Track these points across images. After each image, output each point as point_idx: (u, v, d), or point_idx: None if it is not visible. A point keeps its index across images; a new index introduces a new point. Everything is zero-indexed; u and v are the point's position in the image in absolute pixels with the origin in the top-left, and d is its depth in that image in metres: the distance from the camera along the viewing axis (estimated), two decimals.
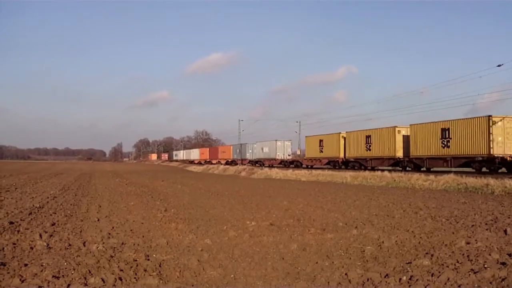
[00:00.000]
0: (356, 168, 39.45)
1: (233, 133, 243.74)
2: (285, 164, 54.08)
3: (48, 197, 16.39)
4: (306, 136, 50.72)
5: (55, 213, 11.93)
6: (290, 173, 35.82)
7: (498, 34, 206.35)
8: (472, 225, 9.64)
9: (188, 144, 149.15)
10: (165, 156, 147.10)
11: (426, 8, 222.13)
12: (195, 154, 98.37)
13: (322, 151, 45.93)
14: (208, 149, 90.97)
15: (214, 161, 77.18)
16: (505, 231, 8.54)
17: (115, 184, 26.36)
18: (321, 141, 46.24)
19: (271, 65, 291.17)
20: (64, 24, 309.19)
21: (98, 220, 10.93)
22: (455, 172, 25.23)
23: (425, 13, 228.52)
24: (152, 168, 73.30)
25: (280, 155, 55.79)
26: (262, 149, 59.74)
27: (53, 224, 9.94)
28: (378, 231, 9.18)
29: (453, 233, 8.72)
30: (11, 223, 9.89)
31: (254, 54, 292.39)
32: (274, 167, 50.24)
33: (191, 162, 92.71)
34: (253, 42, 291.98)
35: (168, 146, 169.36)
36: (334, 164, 43.58)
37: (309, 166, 48.12)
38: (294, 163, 52.65)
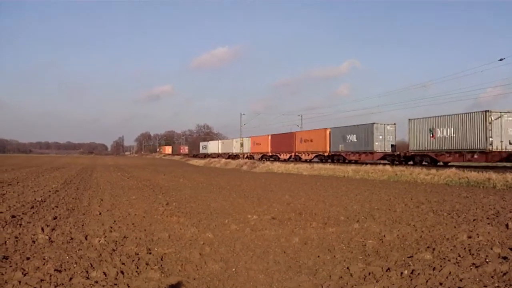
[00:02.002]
0: None
1: (234, 127, 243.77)
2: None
3: (50, 191, 16.42)
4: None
5: (57, 207, 11.95)
6: (292, 167, 35.87)
7: (502, 28, 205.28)
8: (474, 219, 9.64)
9: (189, 138, 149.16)
10: (184, 149, 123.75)
11: (429, 2, 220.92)
12: (242, 144, 67.75)
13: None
14: (269, 136, 57.76)
15: (284, 155, 52.56)
16: (507, 225, 8.53)
17: (116, 178, 26.39)
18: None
19: (275, 59, 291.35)
20: (68, 17, 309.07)
21: (100, 213, 10.95)
22: (457, 166, 25.20)
23: (428, 7, 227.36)
24: (154, 162, 73.37)
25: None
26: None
27: (55, 218, 9.97)
28: (379, 225, 9.18)
29: (455, 227, 8.71)
30: (13, 216, 9.91)
31: (258, 48, 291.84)
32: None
33: (234, 157, 66.73)
34: (257, 37, 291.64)
35: (169, 140, 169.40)
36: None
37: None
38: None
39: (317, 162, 42.64)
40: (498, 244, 6.97)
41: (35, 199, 13.43)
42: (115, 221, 9.83)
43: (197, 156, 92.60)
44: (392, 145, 36.86)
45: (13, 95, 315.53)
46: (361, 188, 18.65)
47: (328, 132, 43.45)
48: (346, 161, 40.17)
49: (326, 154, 43.50)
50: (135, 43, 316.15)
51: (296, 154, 49.48)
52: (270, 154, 56.97)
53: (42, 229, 8.36)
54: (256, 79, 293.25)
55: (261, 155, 60.16)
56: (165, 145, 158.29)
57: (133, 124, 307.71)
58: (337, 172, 29.67)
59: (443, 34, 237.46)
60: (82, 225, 9.18)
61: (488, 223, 9.03)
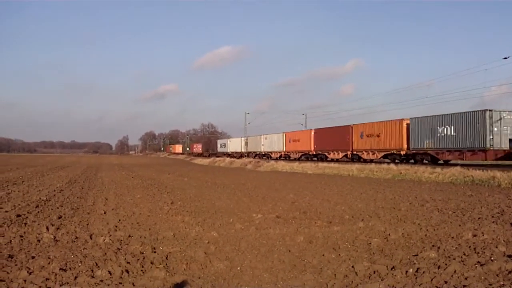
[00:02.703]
0: None
1: (238, 126, 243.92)
2: None
3: (54, 190, 16.49)
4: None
5: (62, 206, 12.00)
6: (297, 166, 35.83)
7: (506, 26, 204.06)
8: (479, 218, 9.60)
9: (194, 137, 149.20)
10: (198, 147, 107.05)
11: (433, 1, 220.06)
12: (273, 141, 56.89)
13: None
14: (311, 131, 48.27)
15: (335, 155, 43.02)
16: None
17: (121, 177, 26.46)
18: None
19: (279, 59, 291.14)
20: (73, 17, 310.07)
21: (105, 213, 10.99)
22: (462, 165, 25.09)
23: (433, 6, 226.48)
24: (158, 161, 73.52)
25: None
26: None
27: (60, 217, 10.00)
28: (384, 223, 9.16)
29: (460, 225, 8.68)
30: (18, 216, 9.96)
31: (262, 47, 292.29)
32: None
33: (263, 156, 57.88)
34: (262, 36, 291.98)
35: (174, 139, 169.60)
36: None
37: None
38: None
39: (388, 162, 32.26)
40: (503, 242, 6.94)
41: (40, 198, 13.49)
42: (120, 220, 9.85)
43: (214, 155, 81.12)
44: (510, 140, 27.16)
45: (18, 94, 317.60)
46: (366, 186, 18.61)
47: (405, 124, 33.52)
48: (439, 162, 31.24)
49: (402, 152, 33.74)
50: (139, 42, 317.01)
51: (355, 152, 39.67)
52: (314, 152, 47.20)
53: (47, 228, 8.40)
54: (260, 79, 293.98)
55: (300, 154, 50.29)
56: (175, 144, 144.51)
57: (137, 124, 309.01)
58: (341, 171, 29.63)
59: (447, 32, 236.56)
60: (87, 224, 9.22)
61: (493, 222, 8.99)
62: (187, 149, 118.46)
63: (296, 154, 51.43)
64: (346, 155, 41.49)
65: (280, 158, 53.35)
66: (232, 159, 56.51)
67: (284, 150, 54.43)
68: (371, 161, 36.75)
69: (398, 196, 14.41)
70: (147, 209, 11.71)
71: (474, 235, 7.56)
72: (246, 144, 66.99)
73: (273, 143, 57.26)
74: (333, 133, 43.31)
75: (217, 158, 62.91)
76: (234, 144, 73.89)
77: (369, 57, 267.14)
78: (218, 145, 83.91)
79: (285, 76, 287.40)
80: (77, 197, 14.39)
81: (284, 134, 54.91)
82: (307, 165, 35.60)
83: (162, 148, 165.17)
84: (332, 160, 41.85)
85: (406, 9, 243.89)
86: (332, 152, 43.25)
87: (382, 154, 36.17)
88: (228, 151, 74.31)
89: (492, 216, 9.80)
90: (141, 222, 9.77)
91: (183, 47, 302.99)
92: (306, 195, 14.95)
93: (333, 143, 43.03)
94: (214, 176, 28.01)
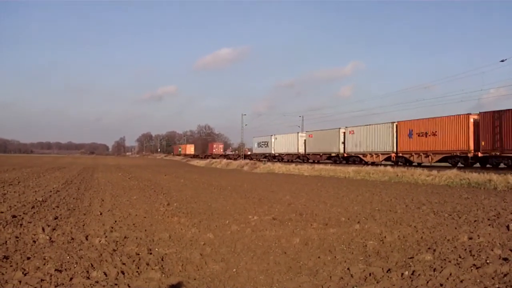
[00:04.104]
0: None
1: (236, 128, 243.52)
2: None
3: (51, 191, 16.43)
4: None
5: (57, 207, 11.96)
6: (293, 168, 35.83)
7: (504, 29, 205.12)
8: (475, 221, 9.62)
9: (191, 138, 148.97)
10: (218, 147, 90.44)
11: (433, 3, 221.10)
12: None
13: None
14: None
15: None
16: (508, 227, 8.51)
17: (117, 178, 26.41)
18: None
19: (278, 61, 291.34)
20: (70, 17, 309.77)
21: (101, 214, 10.96)
22: (458, 168, 25.14)
23: (432, 8, 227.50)
24: (155, 162, 73.40)
25: None
26: None
27: (55, 218, 9.97)
28: (380, 226, 9.17)
29: (456, 228, 8.70)
30: (14, 216, 9.92)
31: (262, 49, 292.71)
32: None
33: (334, 158, 42.99)
34: (262, 38, 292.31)
35: (171, 141, 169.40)
36: None
37: None
38: None
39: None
40: (498, 245, 6.96)
41: (36, 199, 13.44)
42: (116, 221, 9.83)
43: (248, 157, 65.66)
44: None
45: (15, 95, 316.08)
46: (362, 189, 18.63)
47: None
48: None
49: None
50: (138, 44, 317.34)
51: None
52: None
53: (43, 229, 8.37)
54: (260, 80, 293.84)
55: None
56: (186, 144, 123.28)
57: (134, 125, 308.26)
58: (338, 173, 29.63)
59: (446, 35, 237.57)
60: (83, 225, 9.19)
61: (489, 225, 9.01)
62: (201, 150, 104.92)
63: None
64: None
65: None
66: (229, 160, 55.60)
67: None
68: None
69: (394, 199, 14.43)
70: (143, 210, 11.69)
71: (470, 238, 7.58)
72: (310, 142, 48.46)
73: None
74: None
75: (213, 160, 62.46)
76: (285, 142, 54.31)
77: (368, 60, 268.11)
78: (255, 144, 64.15)
79: (285, 78, 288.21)
80: (73, 198, 14.35)
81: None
82: (304, 167, 35.60)
83: (159, 149, 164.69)
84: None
85: (406, 12, 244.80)
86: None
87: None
88: (273, 151, 56.51)
89: (488, 219, 9.82)
90: (137, 223, 9.75)
91: (184, 48, 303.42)
92: (302, 197, 14.95)
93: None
94: (211, 177, 27.99)
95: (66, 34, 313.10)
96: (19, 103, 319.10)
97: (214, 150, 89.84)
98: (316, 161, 44.52)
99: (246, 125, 73.23)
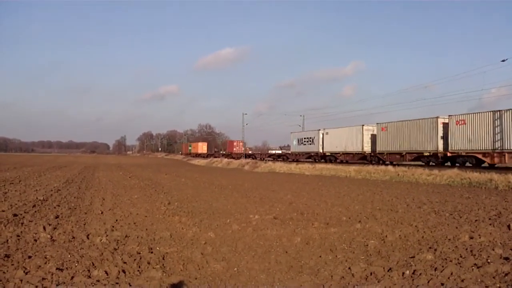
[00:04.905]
0: None
1: (236, 127, 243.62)
2: None
3: (52, 190, 16.45)
4: None
5: (59, 206, 11.97)
6: (294, 167, 35.84)
7: (504, 29, 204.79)
8: (476, 220, 9.61)
9: (191, 138, 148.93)
10: (239, 145, 79.83)
11: (434, 3, 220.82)
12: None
13: None
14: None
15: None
16: (509, 226, 8.50)
17: (118, 177, 26.42)
18: None
19: (279, 61, 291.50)
20: (72, 17, 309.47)
21: (102, 213, 10.97)
22: (459, 167, 25.12)
23: (433, 8, 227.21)
24: (156, 161, 73.40)
25: None
26: None
27: (57, 217, 9.98)
28: (381, 225, 9.16)
29: (457, 227, 8.69)
30: (15, 215, 9.93)
31: (263, 49, 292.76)
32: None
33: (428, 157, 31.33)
34: (262, 38, 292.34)
35: (171, 140, 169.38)
36: None
37: None
38: None
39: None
40: (500, 245, 6.95)
41: (37, 198, 13.45)
42: (117, 220, 9.84)
43: (281, 157, 57.37)
44: None
45: (16, 94, 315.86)
46: (363, 188, 18.63)
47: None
48: None
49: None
50: (139, 43, 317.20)
51: None
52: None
53: (44, 228, 8.37)
54: (260, 80, 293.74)
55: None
56: (199, 141, 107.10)
57: (135, 124, 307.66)
58: (339, 172, 29.63)
59: (446, 35, 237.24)
60: (84, 224, 9.20)
61: (490, 224, 9.00)
62: (215, 149, 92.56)
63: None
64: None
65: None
66: (230, 159, 55.28)
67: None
68: None
69: (395, 198, 14.43)
70: (144, 209, 11.70)
71: (471, 237, 7.57)
72: (373, 138, 37.41)
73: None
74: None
75: (215, 159, 62.31)
76: (340, 137, 41.23)
77: (369, 59, 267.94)
78: (294, 141, 51.09)
79: (286, 78, 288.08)
80: (74, 197, 14.36)
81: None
82: (305, 166, 35.61)
83: (160, 148, 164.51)
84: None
85: (406, 12, 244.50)
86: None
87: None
88: (321, 150, 44.37)
89: (489, 218, 9.81)
90: (138, 222, 9.76)
91: (186, 48, 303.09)
92: (303, 196, 14.95)
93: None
94: (211, 176, 27.99)
95: (67, 34, 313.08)
96: (20, 103, 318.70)
97: (234, 149, 78.90)
98: (395, 164, 32.18)
99: (247, 124, 72.42)
